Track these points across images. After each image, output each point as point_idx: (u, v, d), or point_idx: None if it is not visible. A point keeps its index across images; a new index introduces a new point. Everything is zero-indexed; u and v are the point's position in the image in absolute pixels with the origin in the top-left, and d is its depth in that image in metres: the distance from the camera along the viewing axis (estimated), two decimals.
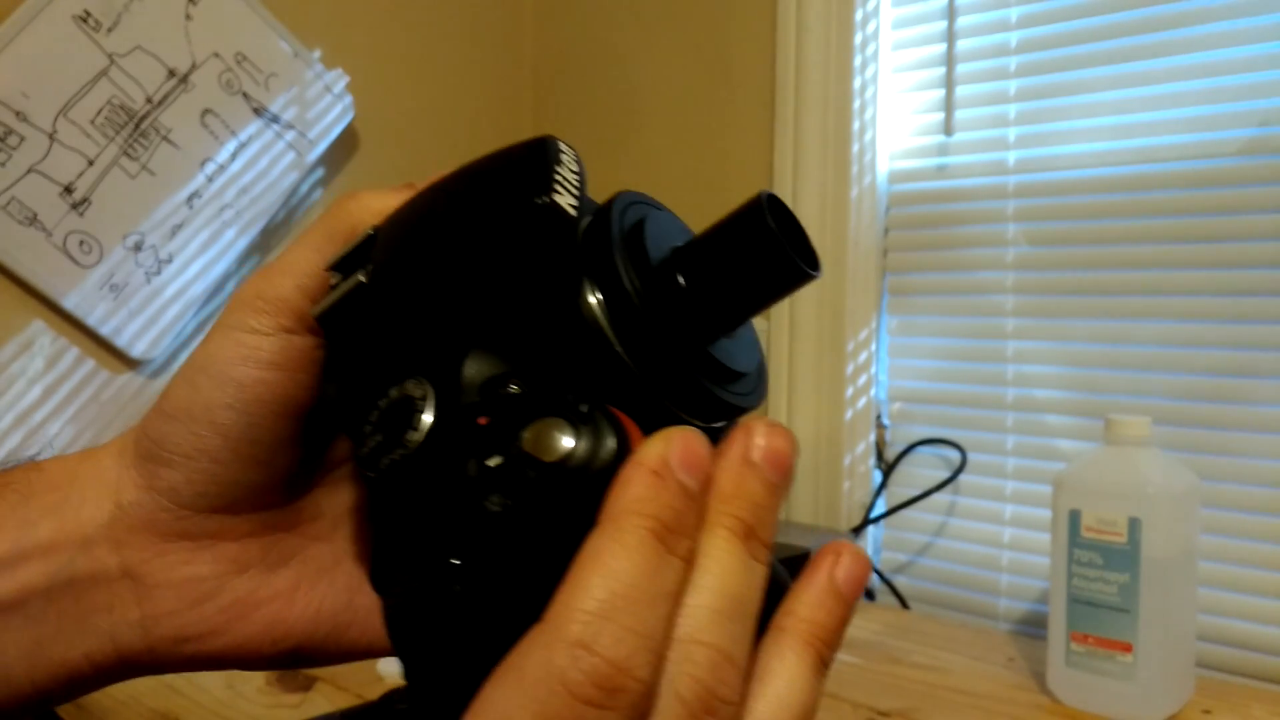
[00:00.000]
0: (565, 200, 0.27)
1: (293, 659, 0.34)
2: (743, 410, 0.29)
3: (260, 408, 0.31)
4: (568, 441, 0.24)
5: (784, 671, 0.25)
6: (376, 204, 0.31)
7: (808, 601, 0.26)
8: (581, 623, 0.22)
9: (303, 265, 0.31)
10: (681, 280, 0.27)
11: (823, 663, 0.26)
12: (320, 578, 0.35)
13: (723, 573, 0.24)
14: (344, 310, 0.29)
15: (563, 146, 0.28)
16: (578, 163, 0.28)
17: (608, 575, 0.22)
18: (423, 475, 0.26)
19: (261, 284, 0.31)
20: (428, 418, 0.26)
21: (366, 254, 0.29)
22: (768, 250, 0.27)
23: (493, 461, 0.25)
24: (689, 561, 0.24)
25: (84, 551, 0.31)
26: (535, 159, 0.27)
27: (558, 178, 0.27)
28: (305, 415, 0.32)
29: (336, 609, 0.34)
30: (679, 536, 0.23)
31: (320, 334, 0.31)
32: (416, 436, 0.26)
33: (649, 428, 0.25)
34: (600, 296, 0.26)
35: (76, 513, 0.31)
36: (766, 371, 0.31)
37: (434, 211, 0.29)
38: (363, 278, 0.29)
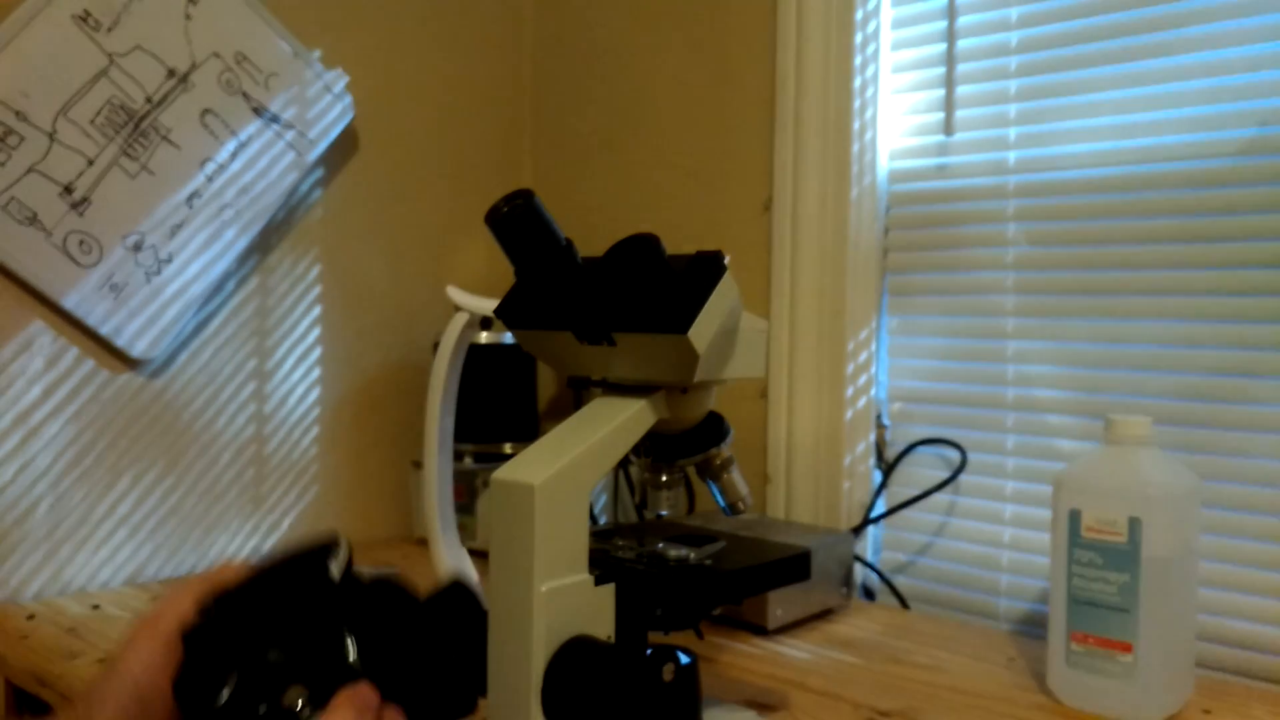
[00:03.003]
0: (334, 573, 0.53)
1: None
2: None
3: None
4: None
5: None
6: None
7: None
8: None
9: (133, 674, 0.54)
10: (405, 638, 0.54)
11: None
12: None
13: None
14: (191, 640, 0.51)
15: (342, 545, 0.54)
16: (348, 551, 0.54)
17: None
18: None
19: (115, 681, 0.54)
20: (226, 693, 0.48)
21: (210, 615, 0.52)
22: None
23: None
24: None
25: None
26: (318, 554, 0.53)
27: (332, 565, 0.53)
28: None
29: None
30: None
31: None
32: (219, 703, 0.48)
33: None
34: (355, 638, 0.51)
35: None
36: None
37: (244, 587, 0.53)
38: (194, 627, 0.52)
